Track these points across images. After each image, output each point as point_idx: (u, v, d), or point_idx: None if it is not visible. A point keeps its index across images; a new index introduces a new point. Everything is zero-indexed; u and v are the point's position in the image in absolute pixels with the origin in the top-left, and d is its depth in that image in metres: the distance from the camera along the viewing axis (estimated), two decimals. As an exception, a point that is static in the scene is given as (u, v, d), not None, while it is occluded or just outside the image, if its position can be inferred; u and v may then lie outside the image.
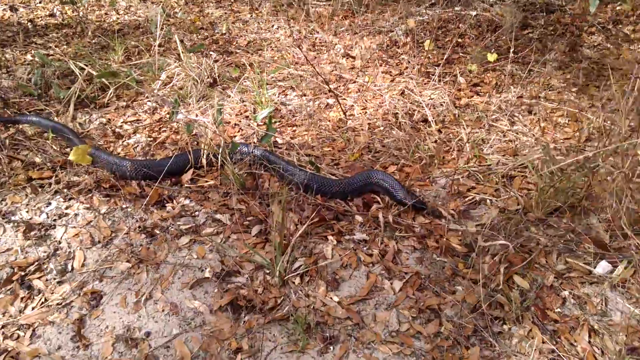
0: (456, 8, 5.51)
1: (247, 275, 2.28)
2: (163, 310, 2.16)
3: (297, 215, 2.57)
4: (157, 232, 2.55)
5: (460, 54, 4.69)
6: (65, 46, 4.83)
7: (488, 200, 2.65)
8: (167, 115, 3.52)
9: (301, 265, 2.28)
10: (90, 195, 2.78)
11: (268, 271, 2.28)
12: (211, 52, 4.52)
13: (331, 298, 2.14)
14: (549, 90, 4.08)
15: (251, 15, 5.89)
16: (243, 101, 3.68)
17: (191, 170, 2.91)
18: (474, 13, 5.39)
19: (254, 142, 3.15)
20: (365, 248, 2.39)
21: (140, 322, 2.09)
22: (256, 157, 2.86)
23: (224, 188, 2.79)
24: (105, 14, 6.07)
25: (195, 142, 3.15)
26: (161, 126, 3.49)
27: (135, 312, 2.16)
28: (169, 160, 2.88)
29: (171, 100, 2.85)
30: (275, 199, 2.24)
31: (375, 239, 2.42)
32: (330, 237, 2.43)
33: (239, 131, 3.36)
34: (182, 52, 3.83)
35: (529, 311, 2.05)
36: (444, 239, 2.39)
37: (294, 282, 2.22)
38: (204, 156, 2.82)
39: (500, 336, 1.97)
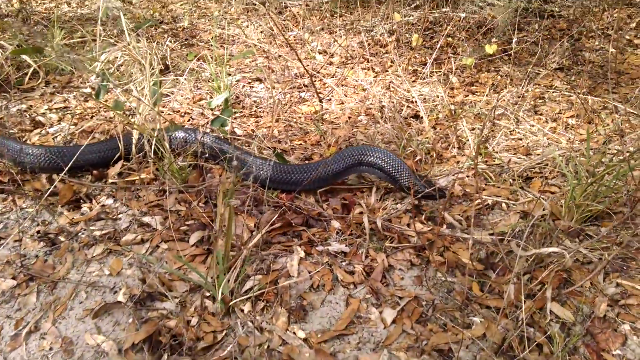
0: (444, 9, 5.05)
1: (177, 299, 1.61)
2: (50, 349, 1.48)
3: (254, 219, 1.92)
4: (62, 239, 1.87)
5: (450, 54, 4.19)
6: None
7: (504, 204, 2.05)
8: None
9: (254, 286, 1.62)
10: (-23, 190, 2.09)
11: (208, 294, 1.62)
12: (166, 36, 3.90)
13: (295, 333, 1.48)
14: (553, 92, 3.60)
15: (219, 12, 5.32)
16: (198, 88, 3.05)
17: (120, 162, 2.25)
18: (463, 15, 4.93)
19: (204, 129, 2.51)
20: (344, 263, 1.75)
21: (7, 368, 1.41)
22: (205, 146, 2.22)
23: (160, 184, 2.13)
24: (56, 6, 5.44)
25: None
26: (93, 114, 2.83)
27: (11, 351, 1.47)
28: (90, 147, 2.21)
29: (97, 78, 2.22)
30: (220, 194, 1.58)
31: (357, 251, 1.79)
32: (297, 248, 1.79)
33: (189, 120, 2.71)
34: (128, 32, 3.19)
35: (577, 353, 1.43)
36: (451, 252, 1.77)
37: (242, 310, 1.56)
38: (136, 143, 2.16)
39: (541, 391, 1.34)
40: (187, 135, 2.24)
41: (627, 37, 4.60)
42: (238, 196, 1.98)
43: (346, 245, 1.81)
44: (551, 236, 1.80)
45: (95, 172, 2.22)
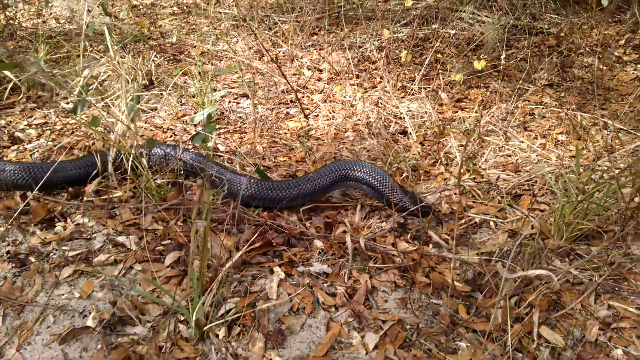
0: (433, 26, 5.05)
1: (149, 323, 1.53)
2: (12, 378, 1.39)
3: (234, 239, 1.85)
4: (32, 259, 1.79)
5: (439, 70, 4.17)
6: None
7: (492, 222, 1.99)
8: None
9: (231, 310, 1.55)
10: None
11: (182, 318, 1.54)
12: (152, 52, 3.85)
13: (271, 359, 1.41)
14: (543, 108, 3.58)
15: (209, 28, 5.29)
16: (182, 103, 3.00)
17: (97, 179, 2.18)
18: (452, 32, 4.93)
19: (185, 146, 2.44)
20: (325, 284, 1.68)
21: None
22: (185, 163, 2.15)
23: (137, 202, 2.06)
24: (44, 22, 5.40)
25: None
26: (73, 130, 2.76)
27: (-30, 380, 1.39)
28: (65, 164, 2.14)
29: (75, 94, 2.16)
30: (194, 211, 1.51)
31: (340, 272, 1.72)
32: (276, 269, 1.72)
33: (171, 136, 2.65)
34: (112, 47, 3.14)
35: (568, 380, 1.36)
36: (437, 273, 1.70)
37: (217, 335, 1.48)
38: (112, 160, 2.09)
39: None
40: (166, 151, 2.18)
41: (616, 54, 4.61)
42: (217, 214, 1.91)
43: (328, 266, 1.74)
44: (540, 256, 1.74)
45: (70, 189, 2.14)
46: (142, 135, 2.55)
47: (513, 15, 5.16)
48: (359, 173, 2.01)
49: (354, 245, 1.78)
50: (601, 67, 4.31)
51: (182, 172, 2.16)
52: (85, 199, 2.11)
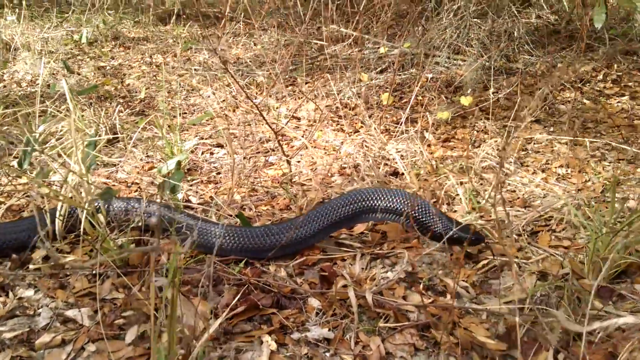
0: (410, 70, 4.96)
1: (104, 422, 1.18)
2: None
3: (211, 304, 1.52)
4: (-43, 347, 1.42)
5: (422, 112, 4.02)
6: None
7: (514, 264, 1.71)
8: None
9: (210, 395, 1.21)
10: None
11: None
12: (115, 104, 3.60)
13: None
14: (534, 144, 3.43)
15: (179, 85, 5.10)
16: (148, 156, 2.71)
17: (45, 244, 1.84)
18: (430, 75, 4.84)
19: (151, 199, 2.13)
20: (328, 354, 1.35)
21: None
22: (149, 216, 1.84)
23: (95, 267, 1.72)
24: (4, 86, 5.14)
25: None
26: (28, 190, 2.43)
27: None
28: (4, 227, 1.81)
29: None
30: (149, 268, 1.19)
31: (344, 336, 1.40)
32: (266, 338, 1.39)
33: (136, 190, 2.34)
34: (71, 100, 2.88)
35: None
36: (462, 329, 1.40)
37: None
38: (63, 218, 1.77)
39: None
40: (128, 205, 1.87)
41: (597, 89, 4.56)
42: (190, 275, 1.59)
43: (329, 330, 1.42)
44: (579, 300, 1.46)
45: (14, 256, 1.80)
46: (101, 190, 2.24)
47: (488, 58, 5.13)
48: (386, 202, 1.74)
49: (359, 301, 1.47)
50: (585, 101, 4.23)
51: (147, 230, 1.84)
52: (31, 266, 1.77)
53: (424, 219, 1.71)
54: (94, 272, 1.68)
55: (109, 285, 1.64)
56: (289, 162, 2.47)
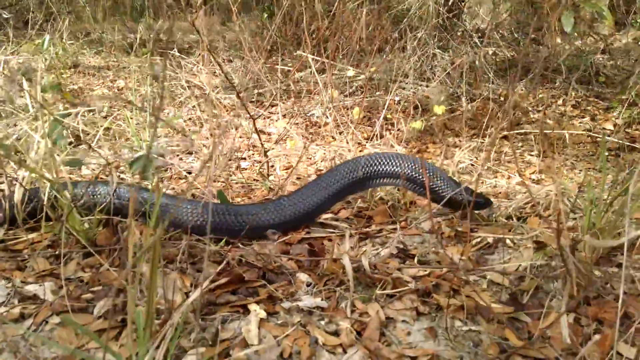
0: (377, 93, 5.02)
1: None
2: None
3: (190, 278, 1.38)
4: None
5: (391, 130, 4.05)
6: None
7: (508, 240, 1.66)
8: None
9: (194, 362, 1.06)
10: None
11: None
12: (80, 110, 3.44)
13: None
14: (505, 156, 3.48)
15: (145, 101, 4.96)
16: (116, 153, 2.57)
17: (5, 226, 1.66)
18: (397, 98, 4.90)
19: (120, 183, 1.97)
20: (323, 321, 1.23)
21: None
22: (120, 198, 1.70)
23: (58, 248, 1.55)
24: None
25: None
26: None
27: None
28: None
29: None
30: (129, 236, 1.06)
31: (338, 304, 1.28)
32: (254, 307, 1.26)
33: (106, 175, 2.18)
34: (32, 102, 2.72)
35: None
36: (463, 296, 1.31)
37: (176, 399, 0.98)
38: (22, 199, 1.61)
39: None
40: (95, 188, 1.72)
41: (559, 112, 4.73)
42: (167, 249, 1.45)
43: (322, 299, 1.30)
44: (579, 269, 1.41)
45: (-36, 240, 1.61)
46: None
47: (452, 85, 5.26)
48: (390, 168, 1.66)
49: (355, 267, 1.36)
50: (549, 121, 4.36)
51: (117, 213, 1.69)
52: (-17, 250, 1.58)
53: (433, 184, 1.66)
54: (56, 252, 1.51)
55: (75, 266, 1.47)
56: (265, 154, 2.38)
